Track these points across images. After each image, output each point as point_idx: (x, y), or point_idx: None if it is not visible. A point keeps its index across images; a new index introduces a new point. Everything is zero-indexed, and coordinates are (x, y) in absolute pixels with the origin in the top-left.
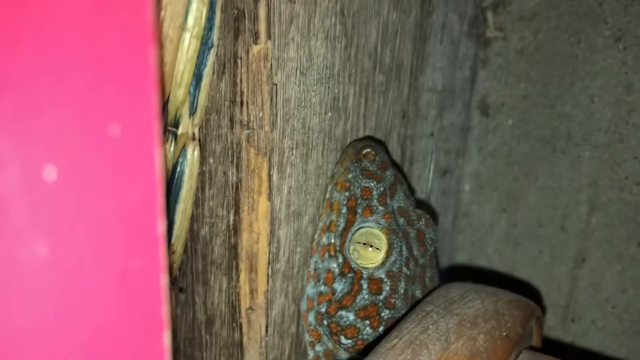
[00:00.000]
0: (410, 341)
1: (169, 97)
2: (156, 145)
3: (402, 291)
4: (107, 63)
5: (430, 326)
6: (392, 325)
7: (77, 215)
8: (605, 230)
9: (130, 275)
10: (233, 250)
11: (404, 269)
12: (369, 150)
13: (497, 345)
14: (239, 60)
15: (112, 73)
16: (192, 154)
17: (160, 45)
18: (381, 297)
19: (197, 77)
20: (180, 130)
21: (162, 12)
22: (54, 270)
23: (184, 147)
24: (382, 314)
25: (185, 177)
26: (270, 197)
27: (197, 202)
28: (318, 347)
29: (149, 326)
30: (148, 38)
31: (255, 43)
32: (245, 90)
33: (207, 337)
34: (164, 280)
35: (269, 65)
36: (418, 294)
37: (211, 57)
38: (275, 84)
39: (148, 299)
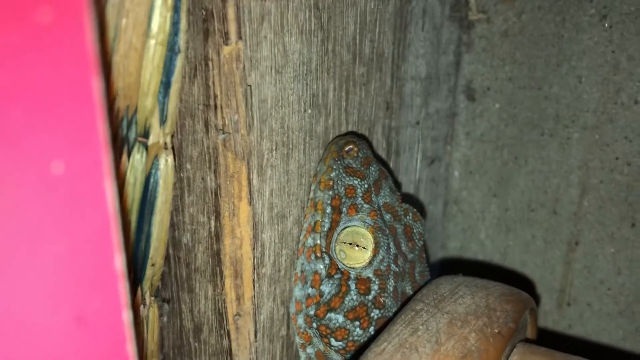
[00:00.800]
0: (400, 344)
1: (137, 107)
2: (106, 179)
3: (391, 289)
4: (44, 98)
5: (420, 327)
6: (383, 325)
7: (25, 261)
8: (597, 212)
9: (89, 316)
10: (216, 256)
11: (393, 266)
12: (351, 146)
13: (489, 343)
14: (210, 63)
15: (51, 108)
16: (166, 163)
17: (124, 55)
18: (370, 297)
19: (165, 84)
20: (150, 141)
21: (124, 20)
22: (5, 319)
23: (156, 158)
24: (372, 314)
25: (160, 188)
26: (251, 202)
27: (177, 209)
28: (309, 349)
29: None
30: (90, 68)
31: (226, 44)
32: (218, 93)
33: (196, 344)
34: (126, 316)
35: (241, 66)
36: (408, 290)
37: (179, 63)
38: (250, 85)
39: (111, 338)
